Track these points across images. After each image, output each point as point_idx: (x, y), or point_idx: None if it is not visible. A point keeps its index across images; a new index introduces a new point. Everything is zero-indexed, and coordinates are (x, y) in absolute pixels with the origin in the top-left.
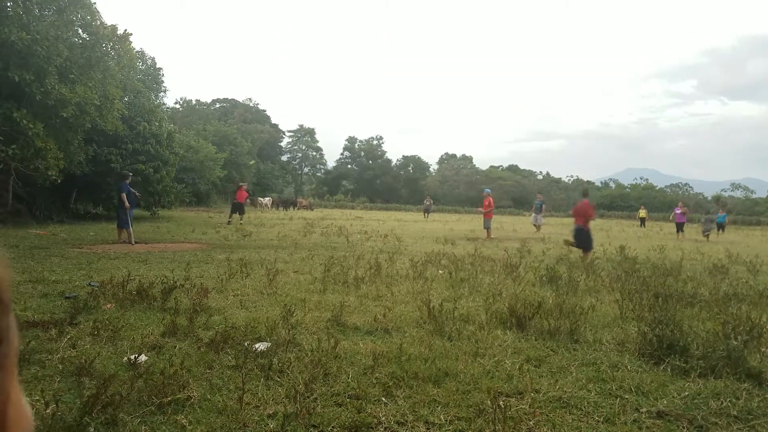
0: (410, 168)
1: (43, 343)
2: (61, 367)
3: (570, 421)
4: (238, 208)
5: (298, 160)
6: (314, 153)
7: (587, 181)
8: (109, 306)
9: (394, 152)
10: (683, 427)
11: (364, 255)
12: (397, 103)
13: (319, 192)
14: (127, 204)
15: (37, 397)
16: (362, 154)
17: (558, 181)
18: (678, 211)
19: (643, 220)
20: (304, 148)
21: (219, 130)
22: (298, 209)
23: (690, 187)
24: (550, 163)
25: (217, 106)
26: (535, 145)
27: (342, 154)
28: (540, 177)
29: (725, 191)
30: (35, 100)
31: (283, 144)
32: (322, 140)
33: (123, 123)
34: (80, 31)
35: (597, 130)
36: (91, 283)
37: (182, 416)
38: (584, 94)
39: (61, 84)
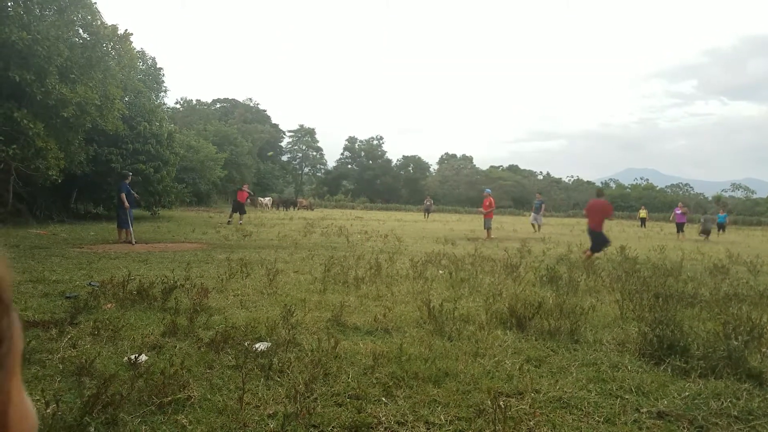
0: (410, 168)
1: (43, 343)
2: (61, 366)
3: (570, 421)
4: (238, 208)
5: (298, 160)
6: (314, 153)
7: (587, 181)
8: (109, 306)
9: (394, 152)
10: (684, 428)
11: (365, 255)
12: (397, 103)
13: (320, 192)
14: (126, 204)
15: (38, 397)
16: (362, 154)
17: (558, 181)
18: (678, 212)
19: (643, 221)
20: (304, 148)
21: (219, 130)
22: (299, 209)
23: (690, 187)
24: (550, 163)
25: (218, 106)
26: (535, 145)
27: (342, 154)
28: (540, 177)
29: (726, 191)
30: (36, 99)
31: (283, 144)
32: (323, 140)
33: (123, 123)
34: (81, 31)
35: (597, 130)
36: (92, 283)
37: (182, 416)
38: (584, 94)
39: (62, 84)
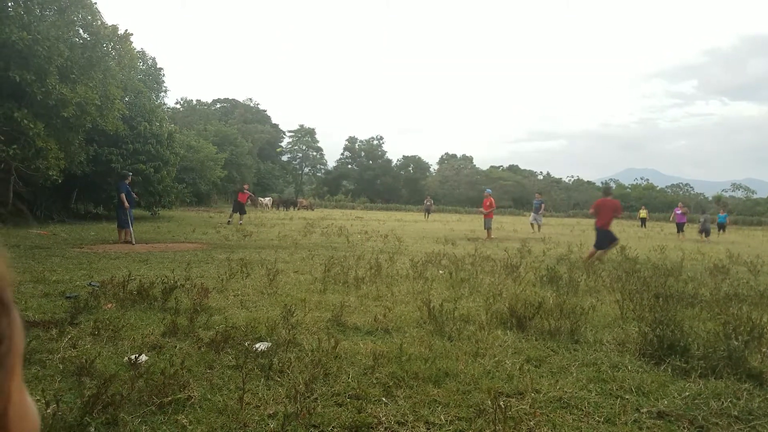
0: (410, 168)
1: (43, 343)
2: (61, 366)
3: (570, 421)
4: (238, 208)
5: (298, 160)
6: (314, 153)
7: (587, 181)
8: (109, 306)
9: (394, 152)
10: (684, 428)
11: (365, 255)
12: (397, 103)
13: (320, 192)
14: (126, 204)
15: (38, 397)
16: (362, 154)
17: (558, 181)
18: (678, 212)
19: (643, 221)
20: (304, 148)
21: (219, 130)
22: (299, 209)
23: (690, 187)
24: (550, 163)
25: (218, 106)
26: (536, 145)
27: (342, 154)
28: (540, 177)
29: (726, 191)
30: (36, 100)
31: (283, 144)
32: (323, 140)
33: (124, 123)
34: (81, 31)
35: (597, 130)
36: (92, 283)
37: (183, 416)
38: (584, 94)
39: (62, 84)
